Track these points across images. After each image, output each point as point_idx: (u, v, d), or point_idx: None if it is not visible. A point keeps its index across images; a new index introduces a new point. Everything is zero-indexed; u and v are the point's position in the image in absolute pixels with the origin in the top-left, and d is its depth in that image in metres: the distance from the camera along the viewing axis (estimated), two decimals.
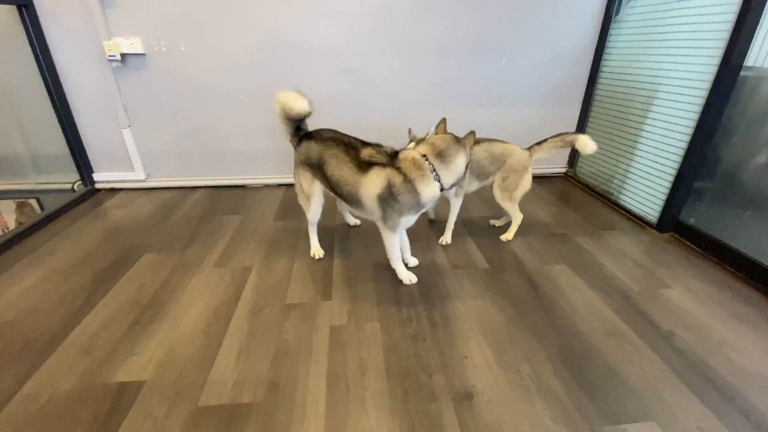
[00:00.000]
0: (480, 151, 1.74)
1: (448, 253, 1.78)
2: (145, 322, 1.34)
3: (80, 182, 2.49)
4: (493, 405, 1.05)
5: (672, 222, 1.97)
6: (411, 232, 1.96)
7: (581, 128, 2.69)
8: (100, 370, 1.14)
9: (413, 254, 1.70)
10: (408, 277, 1.57)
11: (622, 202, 2.29)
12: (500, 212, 2.00)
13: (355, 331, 1.31)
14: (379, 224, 1.49)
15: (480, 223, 2.08)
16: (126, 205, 2.33)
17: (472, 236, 1.94)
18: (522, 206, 1.89)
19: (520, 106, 2.61)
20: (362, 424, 1.00)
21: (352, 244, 1.85)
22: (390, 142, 2.59)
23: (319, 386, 1.10)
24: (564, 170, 2.86)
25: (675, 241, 1.93)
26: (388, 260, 1.62)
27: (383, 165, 1.38)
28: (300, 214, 2.16)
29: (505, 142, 1.80)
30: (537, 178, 2.76)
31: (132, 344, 1.24)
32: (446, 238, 1.87)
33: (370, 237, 1.92)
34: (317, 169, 1.54)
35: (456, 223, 1.90)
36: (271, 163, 2.58)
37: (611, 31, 2.39)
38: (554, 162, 2.83)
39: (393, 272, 1.63)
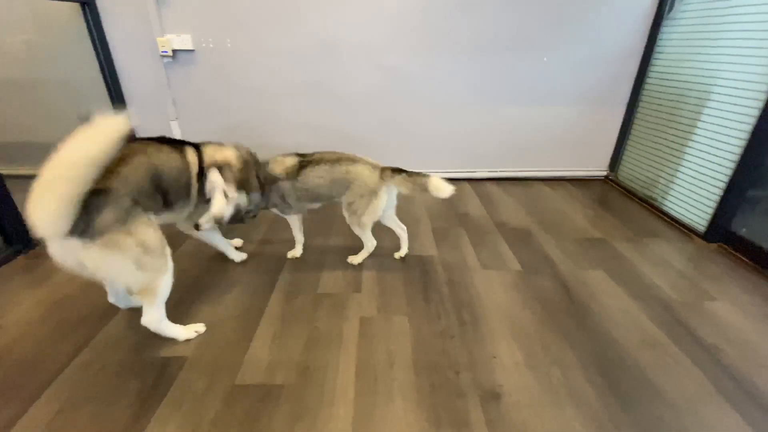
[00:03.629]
0: (314, 177, 1.52)
1: (479, 253, 1.77)
2: (188, 303, 1.42)
3: None
4: (521, 406, 1.05)
5: (721, 231, 1.86)
6: (441, 231, 1.96)
7: (625, 130, 2.58)
8: (147, 345, 1.23)
9: (444, 251, 1.71)
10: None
11: (666, 209, 2.19)
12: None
13: (383, 323, 1.34)
14: None
15: (514, 225, 2.05)
16: None
17: (505, 237, 1.91)
18: (557, 207, 1.84)
19: (560, 107, 2.54)
20: (390, 413, 1.02)
21: (383, 240, 1.88)
22: (424, 140, 2.59)
23: (348, 373, 1.13)
24: (604, 173, 2.76)
25: (723, 252, 1.83)
26: (417, 256, 1.64)
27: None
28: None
29: (354, 162, 1.53)
30: (574, 181, 2.69)
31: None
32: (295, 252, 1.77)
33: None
34: None
35: (489, 225, 1.88)
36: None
37: (663, 29, 2.27)
38: (593, 164, 2.74)
39: (423, 269, 1.64)
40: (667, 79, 2.23)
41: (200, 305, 1.41)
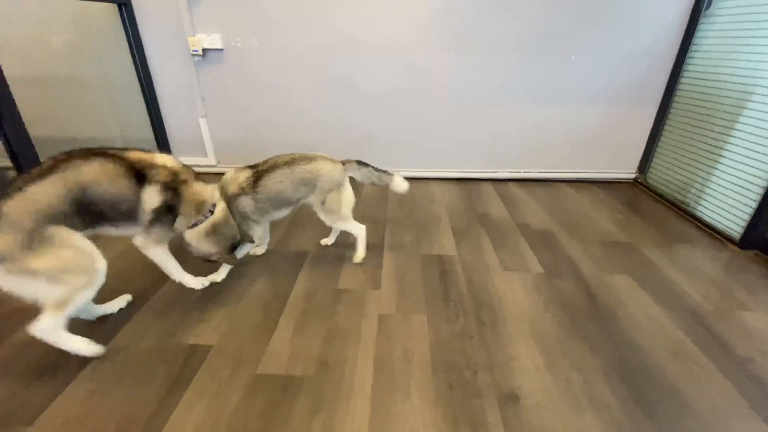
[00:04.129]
0: (273, 183, 1.47)
1: (500, 255, 1.75)
2: (213, 294, 1.47)
3: None
4: (539, 409, 1.04)
5: (758, 238, 1.78)
6: (461, 231, 1.95)
7: (657, 131, 2.49)
8: (175, 332, 1.28)
9: (464, 251, 1.70)
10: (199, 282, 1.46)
11: (699, 214, 2.10)
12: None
13: (402, 321, 1.34)
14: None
15: (536, 227, 2.01)
16: None
17: (527, 239, 1.89)
18: (582, 210, 1.80)
19: (587, 107, 2.47)
20: (406, 410, 1.03)
21: (403, 238, 1.88)
22: (446, 139, 2.57)
23: (366, 369, 1.15)
24: (633, 176, 2.67)
25: (760, 260, 1.74)
26: (437, 256, 1.64)
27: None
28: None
29: (311, 160, 1.51)
30: (600, 183, 2.62)
31: (201, 312, 1.37)
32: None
33: (420, 232, 1.93)
34: None
35: (510, 226, 1.85)
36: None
37: (700, 27, 2.18)
38: (621, 166, 2.66)
39: (442, 268, 1.64)
40: (704, 79, 2.14)
41: (224, 295, 1.46)
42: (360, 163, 1.57)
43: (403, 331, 1.30)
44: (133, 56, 2.42)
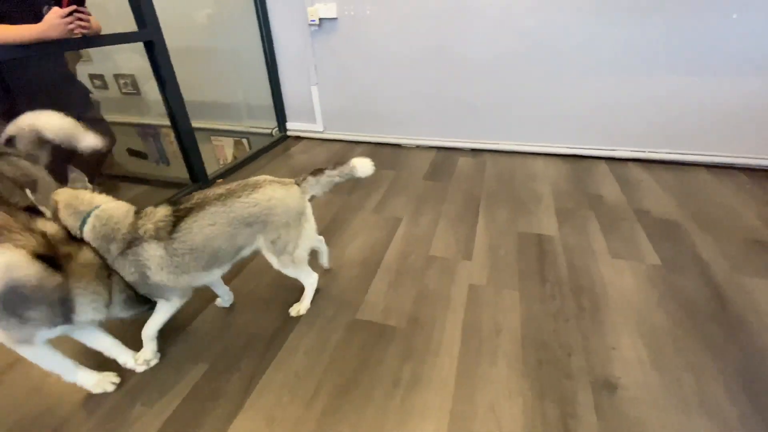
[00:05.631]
0: (201, 227, 1.01)
1: (610, 240, 1.61)
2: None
3: (277, 129, 3.07)
4: (638, 403, 0.97)
5: None
6: (565, 212, 1.83)
7: None
8: (287, 277, 1.46)
9: (566, 233, 1.60)
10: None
11: None
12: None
13: (493, 294, 1.35)
14: None
15: (659, 215, 1.78)
16: (307, 151, 2.78)
17: (645, 226, 1.69)
18: (721, 200, 1.54)
19: (740, 76, 2.02)
20: (492, 375, 1.06)
21: (498, 214, 1.84)
22: (553, 110, 2.34)
23: (454, 332, 1.20)
24: None
25: None
26: (535, 235, 1.58)
27: None
28: (448, 176, 2.24)
29: (254, 188, 1.08)
30: (749, 171, 2.18)
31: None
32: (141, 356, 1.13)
33: (518, 209, 1.86)
34: None
35: (626, 211, 1.67)
36: (426, 125, 2.69)
37: None
38: None
39: (540, 248, 1.58)
40: None
41: (328, 247, 1.61)
42: (315, 173, 1.17)
43: (494, 303, 1.31)
44: (260, 27, 2.67)
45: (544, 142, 2.49)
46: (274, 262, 1.17)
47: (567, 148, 2.45)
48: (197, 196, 1.05)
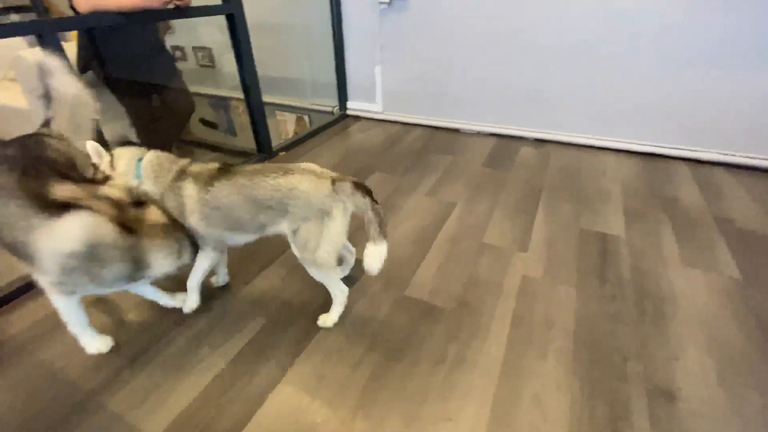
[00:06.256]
0: (226, 193, 1.04)
1: (683, 247, 1.48)
2: None
3: (337, 107, 3.13)
4: (697, 417, 0.91)
5: None
6: (635, 213, 1.70)
7: None
8: None
9: (634, 235, 1.49)
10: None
11: None
12: None
13: (548, 288, 1.31)
14: None
15: (744, 225, 1.61)
16: (364, 131, 2.82)
17: (726, 236, 1.54)
18: None
19: None
20: (540, 368, 1.04)
21: (560, 208, 1.76)
22: (633, 103, 2.15)
23: (503, 320, 1.18)
24: None
25: None
26: (599, 233, 1.49)
27: None
28: (508, 165, 2.17)
29: (287, 172, 1.04)
30: None
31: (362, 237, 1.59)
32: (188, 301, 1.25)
33: (582, 205, 1.77)
34: None
35: (706, 218, 1.53)
36: (488, 111, 2.60)
37: None
38: None
39: (603, 247, 1.50)
40: None
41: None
42: (357, 186, 1.02)
43: (547, 297, 1.27)
44: (331, 5, 2.70)
45: (618, 137, 2.32)
46: (298, 255, 1.10)
47: (643, 145, 2.26)
48: (239, 167, 1.09)
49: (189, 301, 1.23)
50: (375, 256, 1.04)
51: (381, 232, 1.03)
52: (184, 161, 1.12)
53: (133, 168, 1.08)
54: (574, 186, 1.93)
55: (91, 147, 1.05)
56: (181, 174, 1.08)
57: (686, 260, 1.42)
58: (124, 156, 1.10)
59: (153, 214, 1.00)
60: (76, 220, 0.87)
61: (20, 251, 0.91)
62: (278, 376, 1.05)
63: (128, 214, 0.94)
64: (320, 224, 1.03)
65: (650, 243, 1.51)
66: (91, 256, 0.88)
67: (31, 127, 1.16)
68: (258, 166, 1.09)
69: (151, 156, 1.11)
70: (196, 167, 1.09)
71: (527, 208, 1.76)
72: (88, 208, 0.89)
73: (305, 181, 1.02)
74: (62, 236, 0.86)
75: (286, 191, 1.01)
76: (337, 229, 1.04)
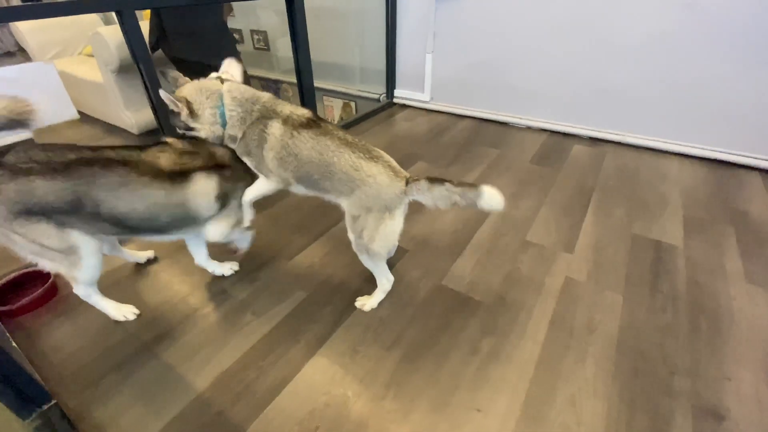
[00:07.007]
0: (309, 145, 1.05)
1: (748, 263, 1.37)
2: (411, 212, 1.65)
3: (384, 95, 3.13)
4: None
5: None
6: (697, 223, 1.58)
7: None
8: None
9: (693, 246, 1.39)
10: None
11: None
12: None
13: (592, 292, 1.26)
14: None
15: None
16: (410, 119, 2.81)
17: None
18: None
19: None
20: (577, 372, 1.01)
21: (612, 210, 1.67)
22: (706, 105, 1.97)
23: (542, 319, 1.16)
24: None
25: None
26: (654, 241, 1.41)
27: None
28: (558, 163, 2.08)
29: (370, 158, 1.04)
30: None
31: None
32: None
33: (637, 209, 1.67)
34: None
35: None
36: (541, 105, 2.50)
37: None
38: None
39: (657, 255, 1.41)
40: None
41: (419, 215, 1.64)
42: (432, 180, 1.02)
43: (591, 301, 1.22)
44: None
45: (683, 140, 2.15)
46: (352, 240, 1.13)
47: (712, 151, 2.09)
48: (333, 127, 1.10)
49: (245, 217, 1.24)
50: (491, 195, 1.01)
51: (471, 185, 1.01)
52: (264, 97, 1.11)
53: (217, 117, 1.08)
54: (630, 189, 1.83)
55: (166, 97, 1.03)
56: (268, 112, 1.09)
57: (751, 277, 1.31)
58: (203, 103, 1.07)
59: (227, 155, 1.17)
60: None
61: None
62: (315, 347, 1.09)
63: (226, 161, 1.16)
64: (380, 219, 1.05)
65: (711, 256, 1.41)
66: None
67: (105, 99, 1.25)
68: (349, 137, 1.08)
69: (230, 99, 1.08)
70: (285, 108, 1.10)
71: (576, 208, 1.69)
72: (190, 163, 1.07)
73: (384, 173, 1.03)
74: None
75: (363, 175, 1.03)
76: (394, 227, 1.07)
